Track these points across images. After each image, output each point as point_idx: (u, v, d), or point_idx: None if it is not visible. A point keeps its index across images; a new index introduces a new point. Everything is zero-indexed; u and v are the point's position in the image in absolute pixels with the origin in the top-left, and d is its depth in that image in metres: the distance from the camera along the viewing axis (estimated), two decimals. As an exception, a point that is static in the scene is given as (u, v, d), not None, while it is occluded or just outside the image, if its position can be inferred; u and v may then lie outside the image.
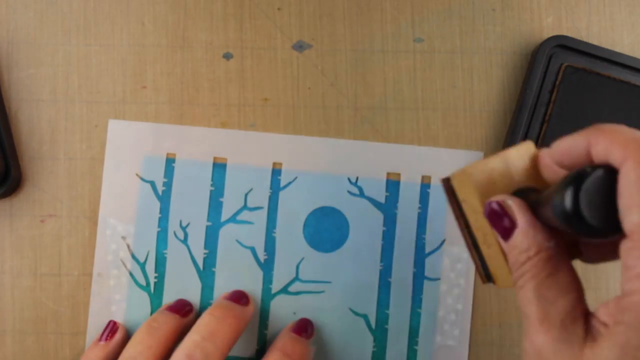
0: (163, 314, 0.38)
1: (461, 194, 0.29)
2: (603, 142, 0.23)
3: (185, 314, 0.38)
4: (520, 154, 0.28)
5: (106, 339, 0.38)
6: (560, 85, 0.39)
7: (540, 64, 0.39)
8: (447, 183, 0.29)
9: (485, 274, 0.29)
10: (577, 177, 0.23)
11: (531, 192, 0.27)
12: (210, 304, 0.40)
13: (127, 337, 0.39)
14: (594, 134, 0.24)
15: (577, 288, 0.25)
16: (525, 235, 0.26)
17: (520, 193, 0.27)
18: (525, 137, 0.39)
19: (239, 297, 0.39)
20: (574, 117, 0.39)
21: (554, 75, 0.39)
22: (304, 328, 0.39)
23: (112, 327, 0.39)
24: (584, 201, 0.23)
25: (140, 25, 0.41)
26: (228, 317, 0.37)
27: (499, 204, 0.27)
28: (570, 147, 0.25)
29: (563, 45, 0.39)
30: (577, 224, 0.23)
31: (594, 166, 0.23)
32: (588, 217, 0.23)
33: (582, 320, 0.24)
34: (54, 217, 0.40)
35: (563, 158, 0.26)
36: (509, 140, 0.39)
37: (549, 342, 0.24)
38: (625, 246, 0.22)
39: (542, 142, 0.39)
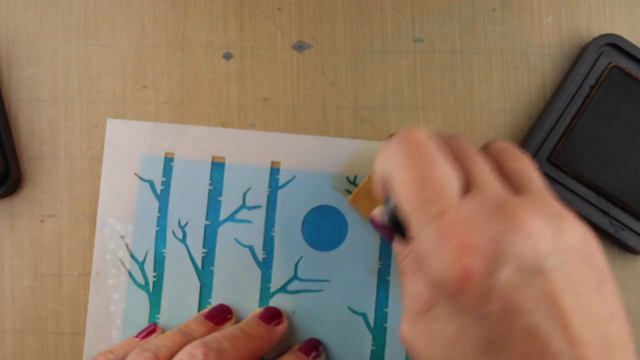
0: (196, 321, 0.38)
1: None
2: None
3: (221, 322, 0.38)
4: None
5: (142, 338, 0.38)
6: (603, 82, 0.39)
7: (589, 57, 0.39)
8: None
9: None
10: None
11: None
12: (209, 303, 0.40)
13: None
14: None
15: None
16: (396, 246, 0.32)
17: None
18: (554, 125, 0.39)
19: (272, 318, 0.38)
20: (606, 117, 0.39)
21: (600, 72, 0.40)
22: (314, 347, 0.38)
23: (151, 329, 0.39)
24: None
25: (140, 25, 0.41)
26: (255, 337, 0.36)
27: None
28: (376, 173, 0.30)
29: (615, 44, 0.39)
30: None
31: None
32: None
33: None
34: (54, 217, 0.40)
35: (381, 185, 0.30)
36: (537, 124, 0.39)
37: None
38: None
39: (570, 133, 0.39)
